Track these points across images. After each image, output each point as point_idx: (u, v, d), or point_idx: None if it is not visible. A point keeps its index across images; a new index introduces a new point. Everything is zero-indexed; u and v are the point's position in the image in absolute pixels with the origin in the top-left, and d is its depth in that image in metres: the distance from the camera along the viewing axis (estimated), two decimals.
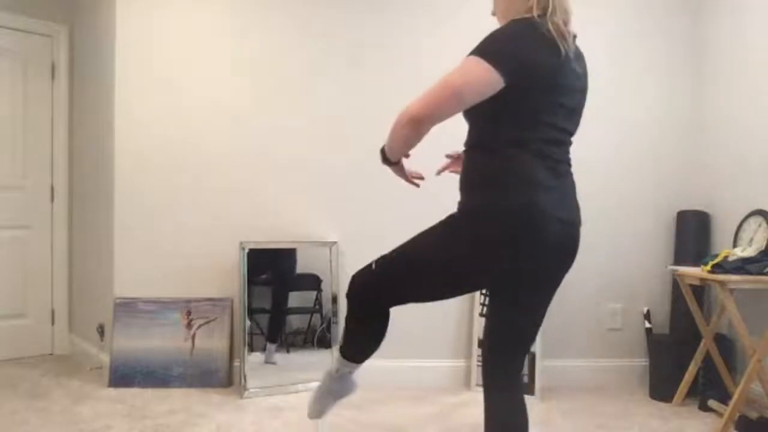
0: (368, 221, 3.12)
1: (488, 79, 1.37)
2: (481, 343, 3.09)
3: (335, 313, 3.15)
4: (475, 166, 1.52)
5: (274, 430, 2.51)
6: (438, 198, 3.18)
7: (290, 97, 3.22)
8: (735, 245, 2.81)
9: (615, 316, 3.25)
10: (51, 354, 3.74)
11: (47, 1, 3.71)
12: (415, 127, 1.43)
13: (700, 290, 2.94)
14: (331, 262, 3.16)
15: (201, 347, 3.12)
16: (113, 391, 2.98)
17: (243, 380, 2.95)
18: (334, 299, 3.16)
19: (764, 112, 2.82)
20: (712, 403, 2.76)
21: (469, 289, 1.71)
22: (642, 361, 3.20)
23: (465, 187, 1.55)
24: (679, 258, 3.12)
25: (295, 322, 3.19)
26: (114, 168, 3.17)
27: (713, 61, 3.19)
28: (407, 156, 1.62)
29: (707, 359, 2.85)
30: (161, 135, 3.17)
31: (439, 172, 1.87)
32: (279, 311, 3.19)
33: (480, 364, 3.18)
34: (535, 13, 1.44)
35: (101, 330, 3.29)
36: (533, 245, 1.43)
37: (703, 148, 3.24)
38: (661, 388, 2.97)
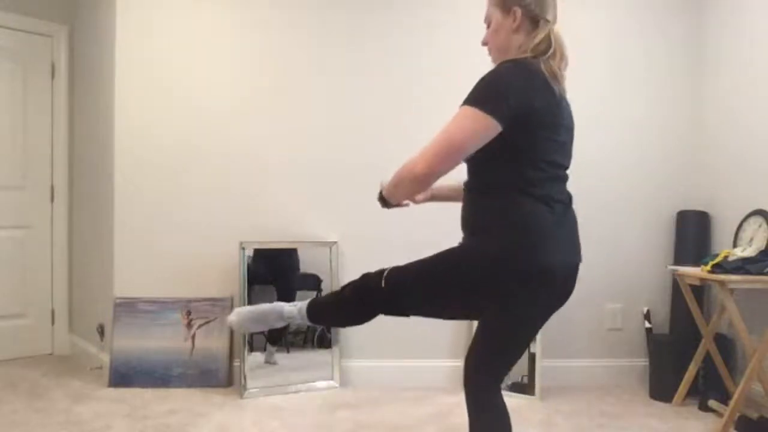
0: (368, 221, 3.12)
1: (486, 128, 1.40)
2: None
3: None
4: (480, 209, 1.55)
5: (274, 430, 2.51)
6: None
7: (290, 97, 3.22)
8: (735, 245, 2.81)
9: (615, 316, 3.25)
10: (51, 354, 3.74)
11: (47, 1, 3.71)
12: (421, 184, 1.49)
13: (700, 290, 2.94)
14: (331, 262, 3.16)
15: (201, 347, 3.12)
16: (113, 391, 2.98)
17: (243, 380, 2.95)
18: None
19: (764, 112, 2.82)
20: (712, 403, 2.76)
21: (466, 316, 1.72)
22: (642, 361, 3.21)
23: (471, 228, 1.58)
24: (679, 258, 3.13)
25: None
26: (114, 168, 3.17)
27: (713, 61, 3.19)
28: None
29: (707, 359, 2.86)
30: (161, 135, 3.17)
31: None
32: None
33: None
34: (530, 54, 1.48)
35: (101, 330, 3.29)
36: (542, 290, 1.48)
37: (703, 148, 3.24)
38: (661, 388, 2.97)
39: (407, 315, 1.69)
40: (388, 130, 3.18)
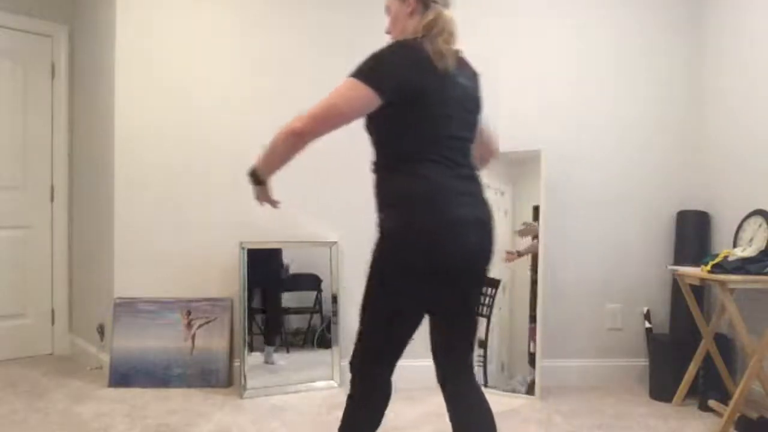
0: (368, 221, 3.10)
1: (366, 98, 1.50)
2: (481, 343, 3.11)
3: (335, 313, 3.15)
4: (382, 184, 1.62)
5: (274, 430, 2.51)
6: None
7: (291, 97, 3.21)
8: (735, 245, 2.80)
9: (615, 316, 3.25)
10: (51, 354, 3.74)
11: (47, 1, 3.71)
12: (297, 141, 1.55)
13: (700, 290, 2.94)
14: (331, 262, 3.16)
15: (201, 347, 3.12)
16: (113, 391, 2.98)
17: (243, 380, 2.95)
18: (334, 299, 3.16)
19: (764, 112, 2.82)
20: (712, 403, 2.76)
21: (429, 308, 1.70)
22: (642, 361, 3.21)
23: (378, 206, 1.63)
24: (679, 258, 3.12)
25: (295, 322, 3.19)
26: (114, 168, 3.17)
27: (713, 61, 3.19)
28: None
29: (707, 359, 2.85)
30: (161, 135, 3.18)
31: None
32: (272, 313, 3.18)
33: (480, 364, 3.19)
34: (420, 35, 1.57)
35: (101, 330, 3.29)
36: (455, 250, 1.53)
37: (703, 148, 3.24)
38: (661, 388, 2.97)
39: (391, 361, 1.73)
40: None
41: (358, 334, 1.70)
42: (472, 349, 1.73)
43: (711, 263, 2.57)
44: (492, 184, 3.19)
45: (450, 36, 1.59)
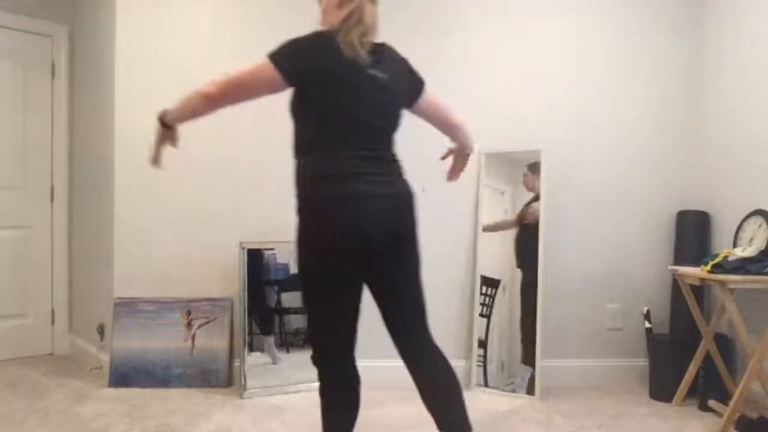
0: None
1: (271, 78, 1.62)
2: (481, 343, 3.11)
3: None
4: (295, 166, 1.73)
5: (274, 430, 2.51)
6: (436, 197, 3.17)
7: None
8: (735, 245, 2.80)
9: (615, 316, 3.25)
10: (51, 354, 3.74)
11: (47, 1, 3.71)
12: (206, 104, 1.67)
13: (700, 290, 2.94)
14: None
15: (201, 347, 3.12)
16: (113, 391, 2.98)
17: (243, 380, 2.95)
18: None
19: (764, 111, 2.82)
20: (712, 403, 2.76)
21: (356, 284, 1.74)
22: (642, 361, 3.20)
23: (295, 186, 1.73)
24: (679, 258, 3.12)
25: (294, 322, 3.19)
26: (114, 168, 3.17)
27: (713, 61, 3.19)
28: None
29: (707, 359, 2.85)
30: None
31: (443, 157, 2.08)
32: (263, 308, 3.16)
33: (480, 364, 3.19)
34: (337, 26, 1.65)
35: (101, 330, 3.29)
36: (352, 225, 1.60)
37: (703, 148, 3.24)
38: (661, 388, 2.97)
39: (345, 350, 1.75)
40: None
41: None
42: (422, 319, 1.78)
43: (711, 263, 2.57)
44: (492, 184, 3.19)
45: (366, 28, 1.66)
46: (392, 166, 1.74)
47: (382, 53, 1.72)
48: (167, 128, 1.78)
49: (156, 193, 3.18)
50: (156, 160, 1.85)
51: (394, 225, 1.67)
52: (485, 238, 3.16)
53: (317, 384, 1.79)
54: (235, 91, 1.65)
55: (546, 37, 3.25)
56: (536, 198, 3.08)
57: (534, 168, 3.11)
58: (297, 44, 1.63)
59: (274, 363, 3.08)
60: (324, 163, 1.64)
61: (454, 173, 2.07)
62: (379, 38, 1.76)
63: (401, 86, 1.78)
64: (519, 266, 3.10)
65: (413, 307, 1.76)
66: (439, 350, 1.75)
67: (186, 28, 3.20)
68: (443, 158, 2.07)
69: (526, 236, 3.08)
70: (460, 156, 2.06)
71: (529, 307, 3.03)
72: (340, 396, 1.79)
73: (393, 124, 1.77)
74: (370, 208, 1.62)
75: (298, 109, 1.69)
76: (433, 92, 1.91)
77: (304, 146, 1.70)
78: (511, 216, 3.13)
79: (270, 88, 1.65)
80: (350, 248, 1.61)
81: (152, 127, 2.88)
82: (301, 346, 3.18)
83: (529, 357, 3.01)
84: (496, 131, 3.21)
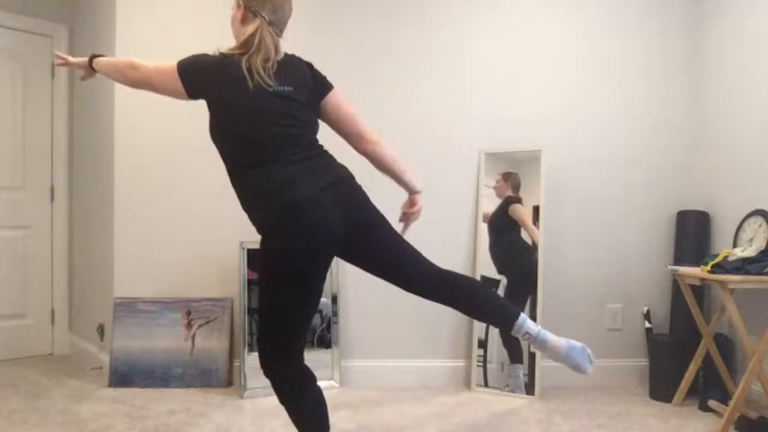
0: None
1: (174, 84, 1.74)
2: (481, 343, 3.11)
3: (335, 313, 3.15)
4: (232, 183, 1.80)
5: (274, 430, 2.51)
6: (436, 196, 3.17)
7: None
8: (735, 245, 2.80)
9: (615, 316, 3.25)
10: (51, 354, 3.74)
11: (47, 1, 3.71)
12: (125, 80, 1.87)
13: (700, 290, 2.94)
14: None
15: (201, 347, 3.12)
16: (113, 391, 2.98)
17: (243, 380, 2.95)
18: (334, 299, 3.16)
19: (765, 111, 2.82)
20: (712, 403, 2.76)
21: (310, 285, 1.78)
22: (642, 361, 3.21)
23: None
24: (679, 258, 3.12)
25: None
26: (114, 168, 3.17)
27: (713, 60, 3.19)
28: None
29: (707, 359, 2.85)
30: (161, 135, 3.17)
31: (401, 221, 2.07)
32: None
33: (480, 364, 3.19)
34: (238, 50, 1.72)
35: (101, 330, 3.29)
36: (300, 231, 1.66)
37: (703, 148, 3.24)
38: (661, 388, 2.97)
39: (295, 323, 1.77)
40: (387, 129, 3.17)
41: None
42: (421, 263, 1.83)
43: (711, 263, 2.58)
44: (492, 184, 3.19)
45: (268, 53, 1.71)
46: (318, 159, 1.78)
47: (285, 65, 1.77)
48: (90, 70, 1.99)
49: (156, 192, 3.18)
50: (62, 64, 2.09)
51: (349, 212, 1.73)
52: (485, 238, 3.16)
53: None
54: (142, 85, 1.82)
55: (547, 37, 3.25)
56: (512, 199, 3.11)
57: (508, 177, 3.13)
58: (205, 64, 1.72)
59: None
60: (256, 182, 1.70)
61: (406, 226, 2.07)
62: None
63: (307, 93, 1.82)
64: (501, 272, 3.11)
65: (408, 261, 1.82)
66: (447, 272, 1.84)
67: (186, 28, 3.20)
68: (401, 221, 2.06)
69: (501, 241, 3.12)
70: (411, 205, 2.04)
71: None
72: (306, 392, 1.81)
73: (308, 130, 1.82)
74: (318, 207, 1.68)
75: (213, 133, 1.77)
76: (347, 102, 1.93)
77: (231, 168, 1.76)
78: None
79: (173, 94, 1.77)
80: (313, 247, 1.67)
81: (150, 127, 2.88)
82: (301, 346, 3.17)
83: (516, 356, 3.02)
84: (496, 131, 3.21)
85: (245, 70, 1.67)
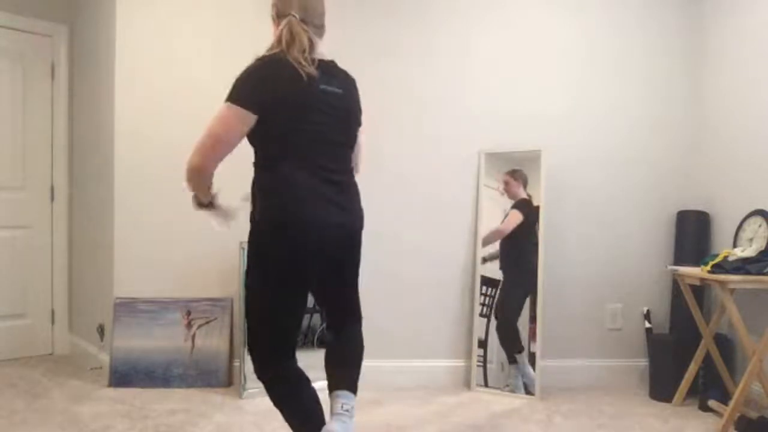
0: (368, 221, 3.11)
1: (242, 119, 1.66)
2: (481, 343, 3.11)
3: None
4: (254, 180, 1.80)
5: (274, 430, 2.51)
6: (436, 196, 3.17)
7: None
8: (735, 245, 2.81)
9: (615, 316, 3.25)
10: (51, 354, 3.74)
11: (47, 1, 3.71)
12: (199, 174, 1.73)
13: (700, 290, 2.94)
14: None
15: (201, 347, 3.12)
16: (113, 391, 2.98)
17: (243, 380, 2.95)
18: None
19: (765, 111, 2.82)
20: (712, 403, 2.76)
21: (304, 287, 1.84)
22: (642, 361, 3.21)
23: (252, 199, 1.81)
24: (679, 258, 3.12)
25: None
26: (114, 168, 3.16)
27: (713, 60, 3.19)
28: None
29: (707, 359, 2.86)
30: (161, 135, 3.17)
31: None
32: None
33: (480, 364, 3.19)
34: (276, 48, 1.73)
35: (101, 330, 3.29)
36: (297, 246, 1.70)
37: (703, 148, 3.24)
38: (661, 388, 2.97)
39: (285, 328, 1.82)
40: (386, 128, 3.18)
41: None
42: (355, 310, 1.99)
43: (711, 263, 2.58)
44: (492, 184, 3.19)
45: (303, 45, 1.72)
46: (348, 190, 1.83)
47: (332, 69, 1.81)
48: (209, 206, 1.86)
49: (156, 192, 3.17)
50: (224, 226, 1.96)
51: (342, 252, 1.82)
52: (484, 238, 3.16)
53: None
54: (215, 152, 1.68)
55: (547, 37, 3.25)
56: (517, 204, 3.09)
57: (516, 174, 3.12)
58: (250, 78, 1.69)
59: None
60: (281, 180, 1.71)
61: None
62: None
63: (354, 103, 1.88)
64: (501, 268, 3.11)
65: (345, 305, 1.97)
66: (356, 334, 1.99)
67: (187, 29, 3.20)
68: None
69: (506, 240, 3.12)
70: None
71: (510, 308, 3.06)
72: (304, 390, 1.86)
73: (349, 139, 1.84)
74: (322, 236, 1.73)
75: (257, 129, 1.71)
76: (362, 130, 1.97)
77: (263, 161, 1.76)
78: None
79: (245, 129, 1.68)
80: (320, 247, 1.74)
81: (150, 127, 2.88)
82: (301, 347, 3.17)
83: (511, 357, 3.03)
84: (496, 131, 3.21)
85: (293, 62, 1.69)
